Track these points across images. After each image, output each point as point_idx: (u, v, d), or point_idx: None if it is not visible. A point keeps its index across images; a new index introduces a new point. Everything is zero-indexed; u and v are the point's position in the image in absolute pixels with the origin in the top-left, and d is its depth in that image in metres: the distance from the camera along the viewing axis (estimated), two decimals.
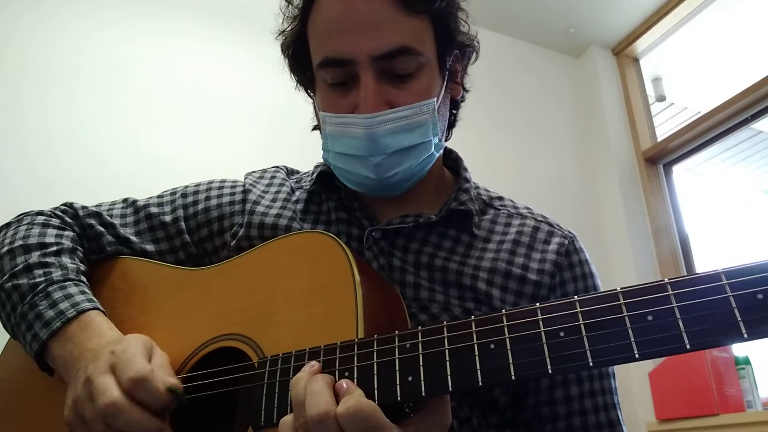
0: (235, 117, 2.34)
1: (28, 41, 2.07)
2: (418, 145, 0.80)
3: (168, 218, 0.93)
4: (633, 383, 2.56)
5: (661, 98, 3.66)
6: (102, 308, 0.79)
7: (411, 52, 0.78)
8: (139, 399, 0.65)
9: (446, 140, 0.97)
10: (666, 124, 3.78)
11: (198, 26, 2.43)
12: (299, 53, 0.87)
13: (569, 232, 0.89)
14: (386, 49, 0.76)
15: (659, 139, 3.15)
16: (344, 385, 0.57)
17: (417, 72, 0.80)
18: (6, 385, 0.88)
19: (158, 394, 0.65)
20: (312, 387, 0.57)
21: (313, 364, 0.61)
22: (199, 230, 0.92)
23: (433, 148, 0.82)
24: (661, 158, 3.12)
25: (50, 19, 2.13)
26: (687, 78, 3.64)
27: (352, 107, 0.79)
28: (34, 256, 0.82)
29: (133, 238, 0.92)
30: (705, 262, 2.98)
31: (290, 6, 0.85)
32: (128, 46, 2.25)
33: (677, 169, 3.16)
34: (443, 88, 0.85)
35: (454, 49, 0.86)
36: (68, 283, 0.79)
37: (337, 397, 0.56)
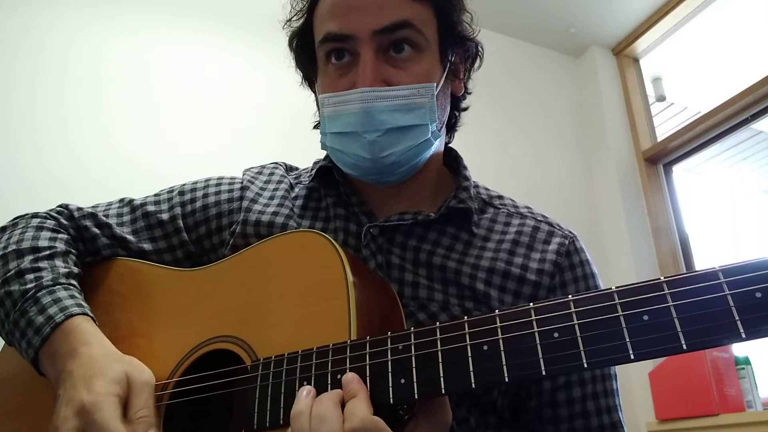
0: (231, 118, 2.33)
1: (17, 42, 2.06)
2: (414, 127, 0.80)
3: (165, 216, 0.92)
4: (633, 383, 2.56)
5: (661, 98, 3.66)
6: (90, 313, 0.77)
7: (412, 27, 0.79)
8: None
9: (449, 142, 0.97)
10: (666, 124, 3.78)
11: (197, 24, 2.43)
12: (305, 44, 0.88)
13: (570, 232, 0.88)
14: (387, 23, 0.78)
15: (659, 139, 3.15)
16: (349, 393, 0.57)
17: (417, 54, 0.81)
18: (6, 385, 0.88)
19: None
20: (317, 410, 0.56)
21: (310, 390, 0.59)
22: (197, 228, 0.91)
23: (430, 134, 0.81)
24: (661, 158, 3.11)
25: (38, 18, 2.12)
26: (687, 78, 3.64)
27: (350, 85, 0.80)
28: (26, 261, 0.81)
29: (129, 237, 0.91)
30: (705, 263, 2.97)
31: None
32: (114, 43, 2.24)
33: (677, 169, 3.16)
34: (443, 78, 0.85)
35: (456, 42, 0.87)
36: (57, 287, 0.78)
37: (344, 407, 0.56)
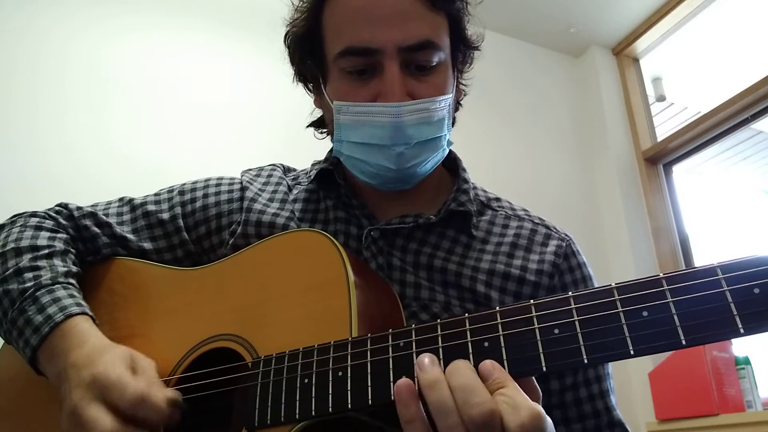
0: (231, 117, 2.33)
1: (18, 42, 2.05)
2: (436, 139, 0.81)
3: (166, 216, 0.92)
4: (633, 383, 2.55)
5: (661, 98, 3.66)
6: (90, 312, 0.77)
7: (434, 46, 0.79)
8: (141, 418, 0.63)
9: None
10: (666, 124, 3.78)
11: (197, 24, 2.43)
12: (309, 44, 0.86)
13: (566, 234, 0.89)
14: (413, 42, 0.77)
15: (659, 139, 3.15)
16: (495, 382, 0.51)
17: (437, 66, 0.81)
18: (5, 386, 0.88)
19: (161, 409, 0.63)
20: (459, 381, 0.51)
21: (433, 358, 0.54)
22: (197, 228, 0.91)
23: (445, 143, 0.84)
24: (661, 158, 3.12)
25: (39, 18, 2.12)
26: (687, 78, 3.64)
27: (372, 96, 0.79)
28: (25, 260, 0.81)
29: (130, 236, 0.91)
30: (705, 263, 2.97)
31: None
32: (114, 43, 2.24)
33: (677, 169, 3.16)
34: (455, 86, 0.87)
35: (464, 50, 0.88)
36: (56, 286, 0.78)
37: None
